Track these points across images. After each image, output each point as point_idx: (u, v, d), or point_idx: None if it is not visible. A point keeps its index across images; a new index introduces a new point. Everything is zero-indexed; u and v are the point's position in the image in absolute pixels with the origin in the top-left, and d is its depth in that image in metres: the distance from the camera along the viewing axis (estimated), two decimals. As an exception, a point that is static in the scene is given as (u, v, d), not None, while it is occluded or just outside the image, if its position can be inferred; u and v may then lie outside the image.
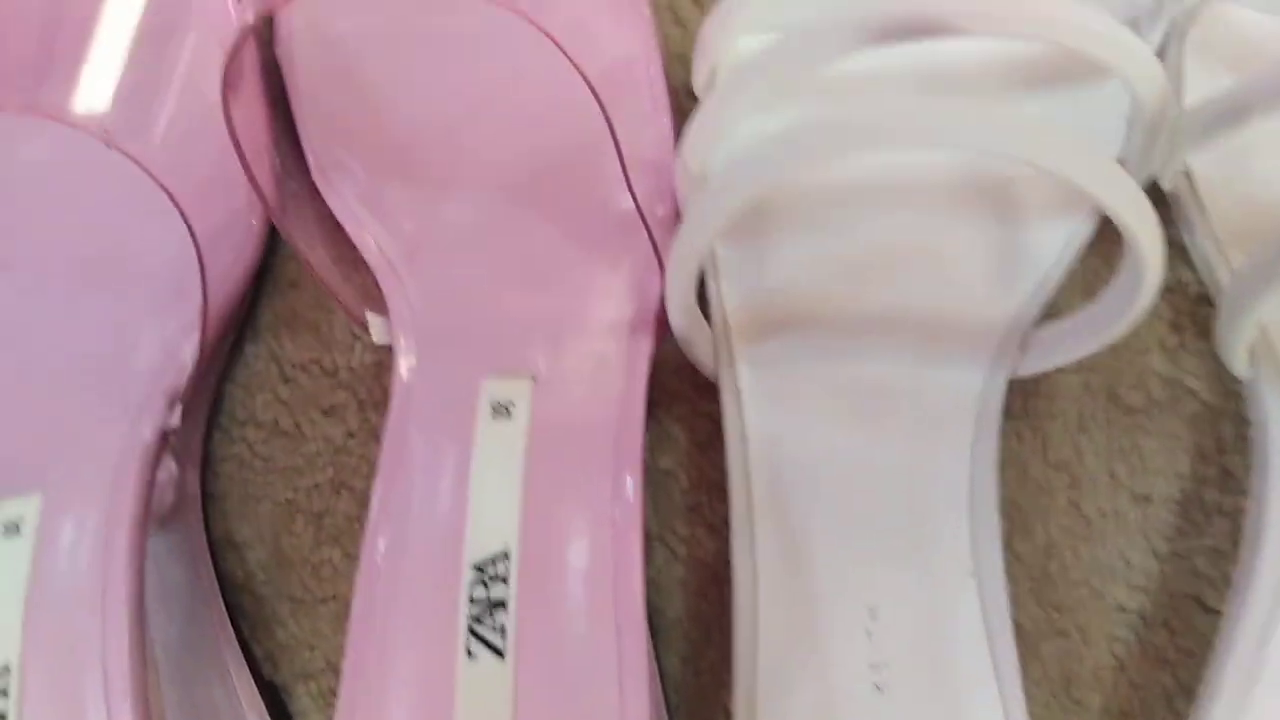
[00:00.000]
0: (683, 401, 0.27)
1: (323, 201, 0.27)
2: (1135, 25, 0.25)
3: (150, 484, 0.26)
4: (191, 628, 0.28)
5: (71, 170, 0.27)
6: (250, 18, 0.28)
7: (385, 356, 0.27)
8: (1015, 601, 0.23)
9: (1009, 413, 0.25)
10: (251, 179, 0.23)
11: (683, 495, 0.27)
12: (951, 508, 0.24)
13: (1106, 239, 0.25)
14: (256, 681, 0.27)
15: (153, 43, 0.29)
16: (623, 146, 0.22)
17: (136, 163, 0.23)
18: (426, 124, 0.27)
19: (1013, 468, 0.26)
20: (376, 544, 0.24)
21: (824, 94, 0.25)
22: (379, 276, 0.26)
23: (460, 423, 0.25)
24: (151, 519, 0.26)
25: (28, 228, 0.28)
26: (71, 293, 0.27)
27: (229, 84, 0.21)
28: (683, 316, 0.24)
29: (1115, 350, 0.25)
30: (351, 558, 0.28)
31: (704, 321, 0.25)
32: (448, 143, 0.27)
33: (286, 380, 0.29)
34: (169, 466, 0.28)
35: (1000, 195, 0.26)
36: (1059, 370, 0.25)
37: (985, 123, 0.20)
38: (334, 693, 0.24)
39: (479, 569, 0.23)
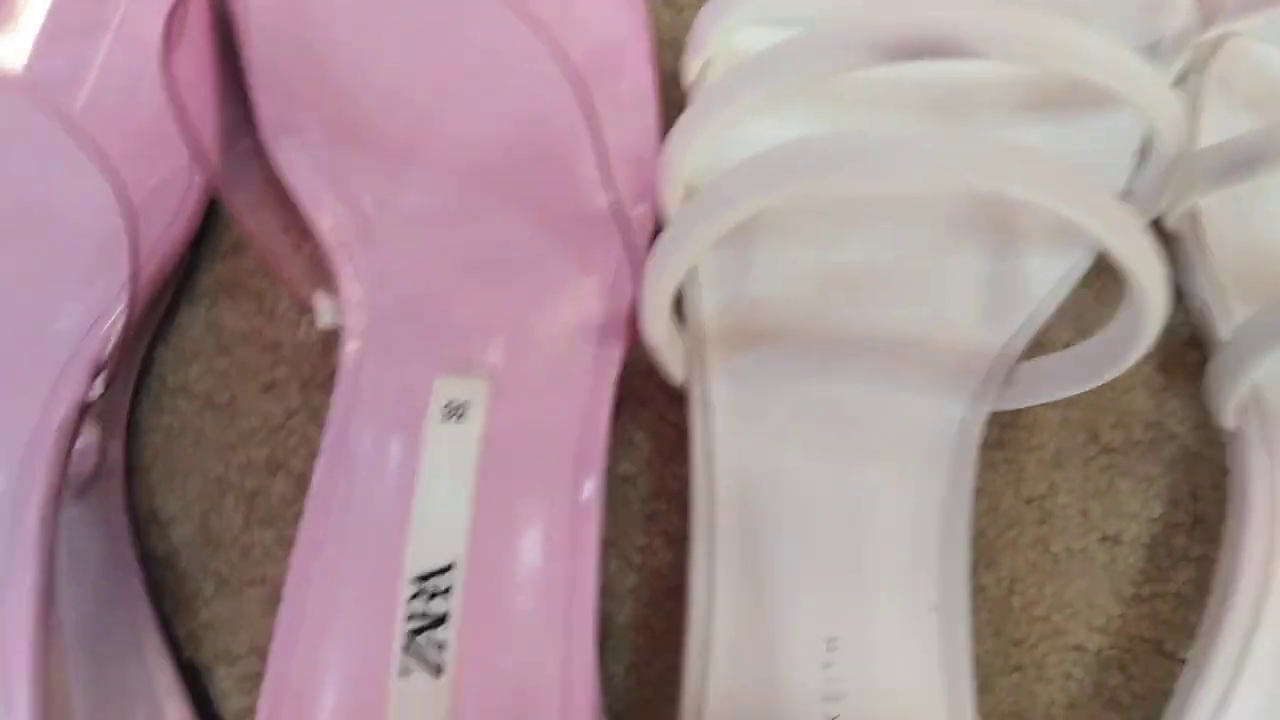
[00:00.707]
0: (649, 407, 0.26)
1: (270, 166, 0.25)
2: (1155, 50, 0.24)
3: (66, 458, 0.24)
4: (106, 604, 0.26)
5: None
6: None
7: (334, 334, 0.25)
8: (973, 633, 0.23)
9: (985, 442, 0.24)
10: (189, 138, 0.21)
11: (641, 503, 0.26)
12: (920, 540, 0.23)
13: (1100, 272, 0.24)
14: (176, 661, 0.26)
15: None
16: (603, 138, 0.21)
17: (56, 113, 0.21)
18: (394, 95, 0.25)
19: (984, 498, 0.25)
20: (310, 542, 0.23)
21: (822, 100, 0.24)
22: (331, 254, 0.25)
23: (408, 421, 0.23)
24: (68, 487, 0.24)
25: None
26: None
27: (169, 40, 0.19)
28: (658, 329, 0.22)
29: (1099, 387, 0.24)
30: (284, 542, 0.26)
31: (677, 333, 0.24)
32: (416, 117, 0.25)
33: (224, 350, 0.27)
34: (90, 433, 0.26)
35: (999, 220, 0.24)
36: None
37: (990, 159, 0.18)
38: (259, 676, 0.23)
39: (421, 579, 0.22)
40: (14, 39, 0.24)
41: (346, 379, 0.24)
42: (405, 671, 0.21)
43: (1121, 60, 0.19)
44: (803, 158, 0.19)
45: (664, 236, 0.21)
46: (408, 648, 0.22)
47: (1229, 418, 0.23)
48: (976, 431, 0.24)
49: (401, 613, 0.22)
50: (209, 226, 0.28)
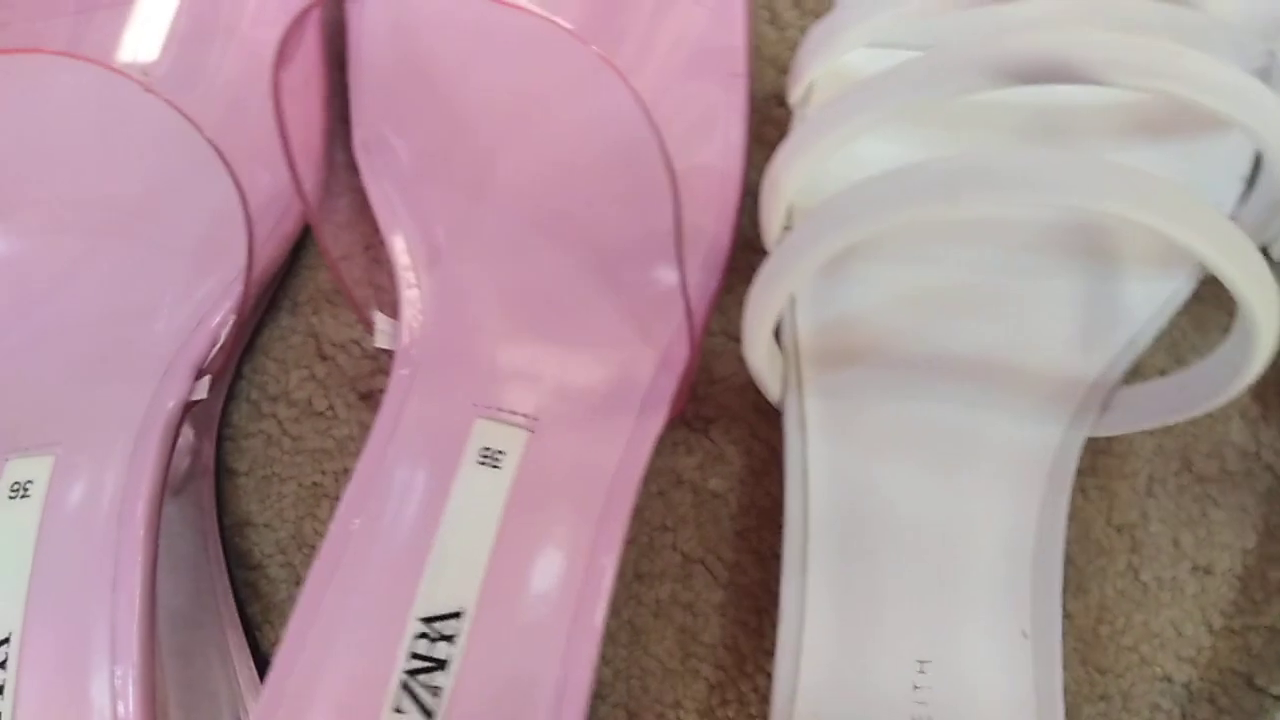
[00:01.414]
0: (741, 424, 0.26)
1: (360, 188, 0.25)
2: (1267, 75, 0.23)
3: (170, 456, 0.24)
4: (195, 602, 0.27)
5: (107, 114, 0.26)
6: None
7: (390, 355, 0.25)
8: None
9: (1077, 468, 0.24)
10: (286, 151, 0.21)
11: (731, 520, 0.26)
12: (1014, 564, 0.23)
13: (1198, 299, 0.24)
14: (261, 662, 0.26)
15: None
16: (682, 221, 0.21)
17: (180, 111, 0.21)
18: (482, 123, 0.25)
19: (1075, 525, 0.25)
20: (328, 560, 0.22)
21: (923, 121, 0.24)
22: (398, 278, 0.25)
23: (444, 458, 0.23)
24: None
25: (57, 168, 0.26)
26: (98, 239, 0.25)
27: (283, 57, 0.19)
28: (759, 352, 0.22)
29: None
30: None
31: (777, 349, 0.24)
32: (499, 149, 0.25)
33: (324, 359, 0.28)
34: (185, 433, 0.26)
35: (1099, 243, 0.24)
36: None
37: (1112, 181, 0.18)
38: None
39: (428, 620, 0.22)
40: (139, 34, 0.25)
41: (391, 404, 0.24)
42: (399, 708, 0.21)
43: (1238, 84, 0.19)
44: (914, 180, 0.19)
45: (772, 259, 0.21)
46: (405, 685, 0.21)
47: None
48: (1073, 456, 0.23)
49: (405, 649, 0.21)
50: (309, 237, 0.28)
